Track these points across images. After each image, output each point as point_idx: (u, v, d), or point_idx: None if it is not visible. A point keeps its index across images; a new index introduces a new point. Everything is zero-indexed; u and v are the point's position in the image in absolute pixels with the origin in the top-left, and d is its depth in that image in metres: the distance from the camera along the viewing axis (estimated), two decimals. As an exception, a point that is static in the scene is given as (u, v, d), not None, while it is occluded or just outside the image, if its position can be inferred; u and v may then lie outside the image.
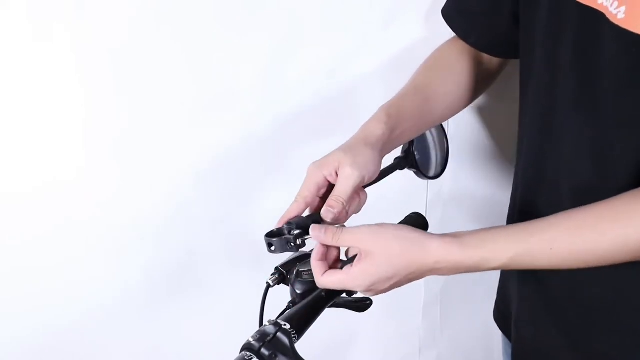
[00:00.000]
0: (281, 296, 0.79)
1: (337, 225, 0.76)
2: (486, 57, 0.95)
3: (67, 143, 0.93)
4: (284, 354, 0.68)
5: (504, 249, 0.69)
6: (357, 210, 0.80)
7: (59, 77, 0.89)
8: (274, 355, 0.67)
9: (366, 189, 0.81)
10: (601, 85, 0.71)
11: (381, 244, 0.71)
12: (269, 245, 0.77)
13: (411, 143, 0.94)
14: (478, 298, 1.23)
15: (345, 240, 0.73)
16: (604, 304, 0.79)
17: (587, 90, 0.72)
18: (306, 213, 0.80)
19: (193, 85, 0.97)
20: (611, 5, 0.66)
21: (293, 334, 0.70)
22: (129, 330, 1.07)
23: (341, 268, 0.74)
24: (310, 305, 0.76)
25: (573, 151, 0.76)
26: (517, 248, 0.69)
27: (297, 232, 0.76)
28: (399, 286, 0.74)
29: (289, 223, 0.77)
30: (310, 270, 0.77)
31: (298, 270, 0.79)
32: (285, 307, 0.78)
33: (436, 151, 0.98)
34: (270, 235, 0.78)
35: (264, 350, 0.67)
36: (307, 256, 0.81)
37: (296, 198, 0.79)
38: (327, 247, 0.76)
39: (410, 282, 0.74)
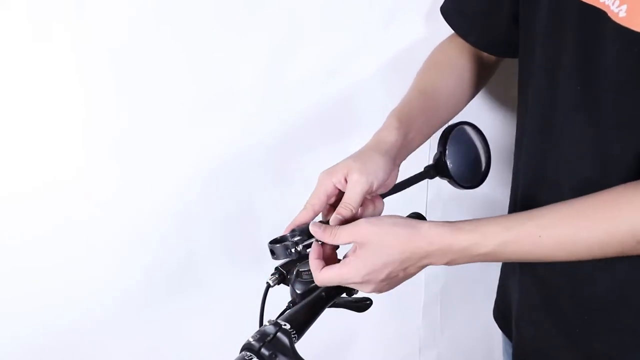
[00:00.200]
0: (281, 296, 0.79)
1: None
2: (485, 54, 0.95)
3: (67, 143, 0.93)
4: (284, 354, 0.68)
5: (493, 234, 0.69)
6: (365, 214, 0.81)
7: (59, 77, 0.89)
8: (274, 355, 0.67)
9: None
10: (603, 85, 0.71)
11: (375, 233, 0.72)
12: (272, 252, 0.78)
13: (443, 150, 0.91)
14: (478, 298, 1.23)
15: (342, 236, 0.73)
16: (604, 304, 0.79)
17: (589, 90, 0.72)
18: (316, 220, 0.80)
19: (193, 85, 0.97)
20: (613, 4, 0.66)
21: (293, 334, 0.70)
22: (129, 330, 1.07)
23: None
24: (310, 305, 0.76)
25: (574, 151, 0.76)
26: (506, 235, 0.69)
27: (297, 238, 0.76)
28: (397, 279, 0.74)
29: (292, 230, 0.77)
30: (310, 270, 0.77)
31: (298, 270, 0.79)
32: (285, 307, 0.78)
33: (473, 158, 0.95)
34: (273, 242, 0.78)
35: (264, 350, 0.67)
36: (307, 256, 0.81)
37: (305, 205, 0.79)
38: (325, 247, 0.76)
39: (407, 273, 0.73)
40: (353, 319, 0.88)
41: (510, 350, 0.99)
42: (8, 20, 0.84)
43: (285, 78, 1.02)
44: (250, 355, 0.67)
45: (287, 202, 1.08)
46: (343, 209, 0.76)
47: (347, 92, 1.07)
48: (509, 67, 0.98)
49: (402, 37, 1.07)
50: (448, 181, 0.93)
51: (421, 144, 0.90)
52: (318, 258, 0.75)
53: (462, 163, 0.94)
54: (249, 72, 0.99)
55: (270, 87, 1.02)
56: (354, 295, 0.81)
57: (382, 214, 0.82)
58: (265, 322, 0.72)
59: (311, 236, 0.76)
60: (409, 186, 0.88)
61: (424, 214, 0.87)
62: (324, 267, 0.74)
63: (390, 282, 0.74)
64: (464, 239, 0.70)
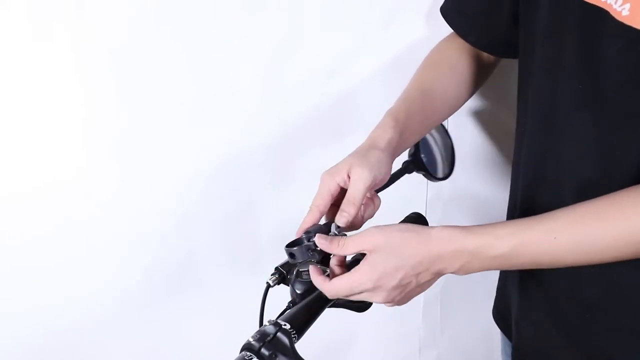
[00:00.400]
0: (281, 296, 0.79)
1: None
2: (484, 54, 0.95)
3: (67, 143, 0.93)
4: (284, 354, 0.68)
5: (507, 235, 0.69)
6: (372, 215, 0.81)
7: (59, 77, 0.89)
8: (274, 355, 0.67)
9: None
10: (604, 84, 0.70)
11: (385, 238, 0.71)
12: (291, 255, 0.77)
13: (417, 146, 0.94)
14: (478, 298, 1.23)
15: (350, 246, 0.73)
16: (604, 304, 0.79)
17: (591, 89, 0.72)
18: (322, 221, 0.80)
19: (193, 85, 0.97)
20: (615, 3, 0.66)
21: (293, 334, 0.70)
22: (129, 330, 1.07)
23: None
24: (310, 305, 0.76)
25: (575, 150, 0.76)
26: (520, 237, 0.68)
27: (313, 239, 0.76)
28: (410, 287, 0.72)
29: (307, 232, 0.77)
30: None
31: (298, 270, 0.79)
32: (285, 307, 0.78)
33: (441, 152, 0.98)
34: (290, 245, 0.78)
35: (264, 350, 0.67)
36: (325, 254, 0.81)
37: (310, 208, 0.79)
38: (333, 260, 0.76)
39: (420, 281, 0.72)
40: (353, 319, 0.88)
41: (509, 350, 0.99)
42: (8, 20, 0.84)
43: (285, 78, 1.02)
44: (250, 355, 0.67)
45: (287, 202, 1.08)
46: (347, 206, 0.76)
47: (347, 92, 1.08)
48: (509, 67, 0.98)
49: (402, 37, 1.07)
50: (424, 174, 0.95)
51: (415, 142, 0.90)
52: (320, 275, 0.75)
53: (433, 158, 0.97)
54: (249, 72, 0.99)
55: (270, 87, 1.02)
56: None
57: (381, 213, 0.82)
58: (265, 322, 0.72)
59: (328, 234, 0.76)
60: (392, 183, 0.89)
61: (423, 214, 0.87)
62: (332, 277, 0.74)
63: (402, 290, 0.72)
64: (477, 240, 0.69)
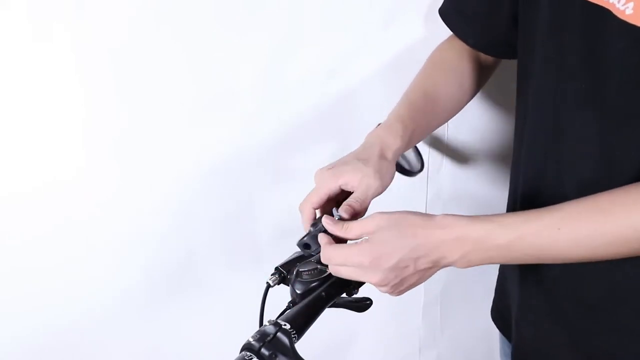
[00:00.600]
0: (281, 296, 0.79)
1: None
2: (484, 55, 0.95)
3: (67, 143, 0.93)
4: (284, 354, 0.68)
5: (512, 224, 0.68)
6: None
7: (59, 77, 0.89)
8: (274, 355, 0.67)
9: None
10: (607, 83, 0.70)
11: (388, 219, 0.71)
12: (305, 246, 0.78)
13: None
14: (478, 298, 1.23)
15: (354, 229, 0.73)
16: (605, 303, 0.79)
17: (592, 89, 0.72)
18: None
19: (193, 85, 0.97)
20: (618, 2, 0.66)
21: (293, 334, 0.70)
22: (129, 330, 1.07)
23: None
24: (310, 305, 0.76)
25: (576, 150, 0.76)
26: (524, 226, 0.68)
27: (320, 225, 0.76)
28: (407, 272, 0.71)
29: (314, 224, 0.78)
30: (311, 270, 0.77)
31: (298, 270, 0.79)
32: (285, 307, 0.78)
33: (410, 149, 0.99)
34: (301, 240, 0.78)
35: (264, 350, 0.67)
36: (307, 256, 0.81)
37: (304, 205, 0.79)
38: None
39: (418, 267, 0.71)
40: (353, 319, 0.88)
41: (508, 351, 0.99)
42: (8, 20, 0.84)
43: (285, 78, 1.02)
44: (250, 355, 0.67)
45: (287, 202, 1.08)
46: (355, 202, 0.76)
47: (347, 92, 1.07)
48: (509, 67, 0.98)
49: (402, 37, 1.07)
50: (398, 170, 0.95)
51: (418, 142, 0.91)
52: (329, 240, 0.75)
53: (403, 155, 0.97)
54: (249, 72, 0.99)
55: (270, 87, 1.02)
56: (354, 295, 0.81)
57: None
58: (265, 322, 0.72)
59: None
60: None
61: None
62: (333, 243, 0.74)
63: (399, 274, 0.71)
64: (480, 227, 0.69)
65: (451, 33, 0.96)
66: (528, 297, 0.89)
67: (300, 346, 0.70)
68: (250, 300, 0.81)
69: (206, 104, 0.99)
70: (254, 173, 1.07)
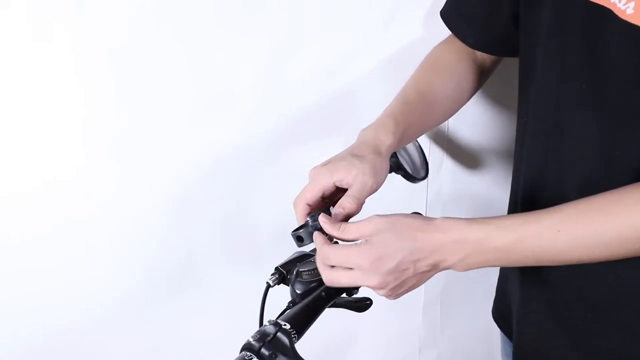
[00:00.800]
0: (281, 296, 0.79)
1: None
2: (483, 55, 0.95)
3: (67, 143, 0.93)
4: (284, 354, 0.68)
5: (511, 226, 0.68)
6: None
7: (59, 77, 0.89)
8: (274, 355, 0.67)
9: None
10: (609, 83, 0.70)
11: (387, 223, 0.71)
12: (298, 238, 0.77)
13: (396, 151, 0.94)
14: (478, 298, 1.23)
15: (351, 231, 0.72)
16: (607, 303, 0.79)
17: (594, 88, 0.72)
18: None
19: (193, 85, 0.97)
20: (619, 2, 0.66)
21: (293, 334, 0.70)
22: (129, 330, 1.07)
23: None
24: (310, 305, 0.76)
25: (577, 150, 0.76)
26: (524, 228, 0.68)
27: (317, 221, 0.75)
28: (406, 275, 0.70)
29: (312, 215, 0.77)
30: (311, 270, 0.77)
31: (298, 270, 0.79)
32: (285, 307, 0.78)
33: (418, 153, 0.98)
34: (295, 230, 0.78)
35: (264, 350, 0.67)
36: (307, 256, 0.81)
37: (297, 202, 0.79)
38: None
39: (417, 270, 0.70)
40: (353, 319, 0.88)
41: (509, 350, 0.98)
42: (8, 20, 0.84)
43: (285, 78, 1.02)
44: (250, 355, 0.67)
45: (287, 202, 1.08)
46: (349, 203, 0.76)
47: (347, 92, 1.08)
48: (509, 67, 0.98)
49: (402, 37, 1.07)
50: (402, 175, 0.94)
51: (410, 142, 0.90)
52: (323, 237, 0.75)
53: (410, 159, 0.97)
54: (249, 72, 0.99)
55: (270, 87, 1.02)
56: (354, 295, 0.81)
57: (381, 213, 0.81)
58: (265, 322, 0.72)
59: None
60: None
61: (423, 214, 0.87)
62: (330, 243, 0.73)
63: (398, 277, 0.70)
64: (479, 230, 0.69)
65: (449, 35, 0.96)
66: (529, 298, 0.88)
67: (300, 346, 0.70)
68: (250, 300, 0.81)
69: (206, 104, 0.99)
70: (254, 173, 1.07)
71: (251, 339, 0.68)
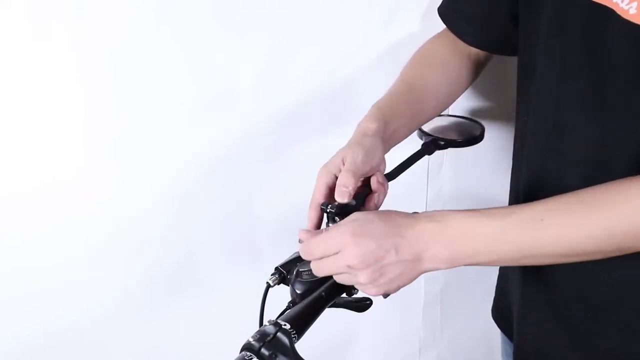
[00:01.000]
0: (281, 296, 0.79)
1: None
2: (476, 50, 0.95)
3: (67, 143, 0.93)
4: (284, 354, 0.68)
5: (495, 214, 0.68)
6: (382, 201, 0.80)
7: (59, 77, 0.89)
8: (274, 355, 0.67)
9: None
10: (610, 83, 0.70)
11: (367, 214, 0.71)
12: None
13: (427, 134, 0.93)
14: (478, 298, 1.23)
15: (332, 233, 0.71)
16: (607, 303, 0.79)
17: (595, 88, 0.72)
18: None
19: (193, 85, 0.97)
20: (621, 2, 0.66)
21: (293, 334, 0.70)
22: (129, 330, 1.07)
23: None
24: (310, 305, 0.75)
25: (578, 149, 0.76)
26: (509, 217, 0.68)
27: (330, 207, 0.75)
28: (388, 256, 0.68)
29: (322, 205, 0.77)
30: (311, 270, 0.77)
31: (298, 270, 0.78)
32: (285, 307, 0.78)
33: (460, 121, 0.98)
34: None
35: (264, 350, 0.67)
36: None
37: (310, 205, 0.78)
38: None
39: (400, 256, 0.68)
40: (353, 319, 0.88)
41: (509, 350, 0.98)
42: (8, 20, 0.84)
43: (285, 78, 1.02)
44: (250, 355, 0.67)
45: (287, 202, 1.08)
46: (343, 177, 0.75)
47: (347, 92, 1.08)
48: (510, 66, 0.98)
49: (402, 37, 1.07)
50: (454, 145, 0.92)
51: (405, 137, 0.89)
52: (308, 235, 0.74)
53: (451, 129, 0.96)
54: (249, 72, 0.99)
55: (270, 87, 1.02)
56: (354, 295, 0.81)
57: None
58: (265, 322, 0.72)
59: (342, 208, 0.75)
60: (409, 166, 0.88)
61: (423, 214, 0.87)
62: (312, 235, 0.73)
63: (379, 259, 0.68)
64: (465, 215, 0.69)
65: (441, 30, 0.96)
66: (529, 298, 0.88)
67: (300, 346, 0.70)
68: (250, 300, 0.81)
69: (206, 104, 0.99)
70: (254, 173, 1.07)
71: (251, 339, 0.68)
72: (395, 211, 0.72)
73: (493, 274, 1.04)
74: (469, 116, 1.00)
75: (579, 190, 0.69)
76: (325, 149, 0.83)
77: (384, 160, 0.82)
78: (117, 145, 0.96)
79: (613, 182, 0.68)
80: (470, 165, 1.26)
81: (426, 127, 0.95)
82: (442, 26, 0.96)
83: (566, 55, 0.75)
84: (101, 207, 0.98)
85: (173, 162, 1.00)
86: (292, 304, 0.78)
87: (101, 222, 0.99)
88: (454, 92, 0.95)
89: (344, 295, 0.79)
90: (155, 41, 0.93)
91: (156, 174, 1.00)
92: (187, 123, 0.99)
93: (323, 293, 0.76)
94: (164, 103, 0.96)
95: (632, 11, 0.65)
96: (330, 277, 0.77)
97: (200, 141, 1.01)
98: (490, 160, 1.26)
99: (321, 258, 0.71)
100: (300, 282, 0.77)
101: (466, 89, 0.97)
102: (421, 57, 0.95)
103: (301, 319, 0.73)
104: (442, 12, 0.95)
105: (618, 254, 0.68)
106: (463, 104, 1.06)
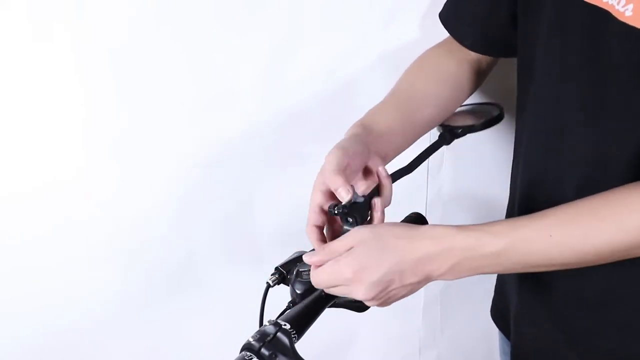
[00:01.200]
0: (281, 296, 0.79)
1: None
2: (479, 57, 0.95)
3: (67, 143, 0.93)
4: (284, 354, 0.68)
5: (502, 231, 0.67)
6: (389, 200, 0.79)
7: (59, 77, 0.89)
8: (274, 355, 0.67)
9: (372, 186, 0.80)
10: (608, 84, 0.70)
11: (372, 231, 0.70)
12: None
13: (445, 126, 0.93)
14: (478, 298, 1.23)
15: (336, 247, 0.71)
16: (607, 302, 0.79)
17: (594, 89, 0.72)
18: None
19: (193, 85, 0.97)
20: (617, 4, 0.66)
21: (293, 334, 0.70)
22: (129, 330, 1.07)
23: None
24: (310, 305, 0.76)
25: (578, 150, 0.76)
26: (515, 233, 0.67)
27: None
28: (393, 286, 0.69)
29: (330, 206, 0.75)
30: (310, 270, 0.77)
31: (298, 270, 0.78)
32: (285, 307, 0.78)
33: (474, 107, 0.96)
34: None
35: (264, 350, 0.67)
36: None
37: (308, 222, 0.77)
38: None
39: (404, 281, 0.69)
40: (353, 319, 0.88)
41: (507, 350, 0.99)
42: (8, 20, 0.84)
43: (285, 78, 1.02)
44: (250, 355, 0.67)
45: (287, 202, 1.08)
46: (328, 178, 0.73)
47: (347, 92, 1.08)
48: (510, 67, 0.98)
49: (402, 37, 1.07)
50: (473, 130, 0.91)
51: (407, 139, 0.88)
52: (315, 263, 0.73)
53: (471, 116, 0.95)
54: (249, 72, 0.99)
55: (270, 87, 1.02)
56: (354, 296, 0.81)
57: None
58: (265, 322, 0.72)
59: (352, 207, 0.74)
60: (426, 157, 0.88)
61: (423, 214, 0.87)
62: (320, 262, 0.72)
63: (384, 288, 0.69)
64: (469, 235, 0.68)
65: (441, 40, 0.96)
66: (527, 297, 0.89)
67: (300, 346, 0.70)
68: (250, 300, 0.81)
69: (206, 104, 0.99)
70: (254, 173, 1.07)
71: (251, 339, 0.68)
72: (395, 229, 0.70)
73: (493, 274, 1.04)
74: (486, 102, 0.98)
75: (583, 200, 0.68)
76: (325, 149, 0.83)
77: (375, 156, 0.80)
78: (117, 145, 0.96)
79: (617, 190, 0.68)
80: (470, 166, 1.26)
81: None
82: (441, 27, 0.96)
83: (566, 55, 0.75)
84: (101, 207, 0.98)
85: (173, 162, 1.00)
86: (292, 304, 0.78)
87: (101, 222, 0.99)
88: (452, 98, 0.93)
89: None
90: (155, 41, 0.93)
91: (156, 174, 1.00)
92: (187, 123, 0.99)
93: (323, 293, 0.76)
94: (164, 103, 0.96)
95: (628, 13, 0.65)
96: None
97: (201, 141, 1.01)
98: (491, 160, 1.26)
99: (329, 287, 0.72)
100: (300, 282, 0.77)
101: (469, 95, 0.97)
102: (414, 66, 0.94)
103: (301, 319, 0.73)
104: (443, 16, 0.95)
105: (625, 258, 0.68)
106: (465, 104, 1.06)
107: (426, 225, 0.71)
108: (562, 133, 0.78)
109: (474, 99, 1.00)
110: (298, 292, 0.77)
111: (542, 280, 0.85)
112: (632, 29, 0.65)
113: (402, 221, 0.85)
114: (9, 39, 0.85)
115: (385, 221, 0.76)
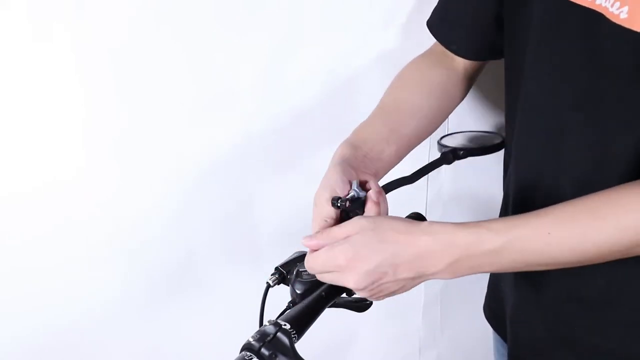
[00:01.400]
0: (281, 296, 0.79)
1: None
2: (465, 62, 0.94)
3: (67, 143, 0.93)
4: (284, 354, 0.68)
5: (501, 229, 0.67)
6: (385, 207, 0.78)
7: (59, 77, 0.89)
8: (274, 355, 0.67)
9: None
10: (604, 85, 0.70)
11: (370, 222, 0.70)
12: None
13: (442, 145, 0.95)
14: (478, 298, 1.23)
15: (336, 232, 0.71)
16: (601, 302, 0.79)
17: (589, 91, 0.72)
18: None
19: (193, 85, 0.97)
20: (611, 6, 0.66)
21: (293, 334, 0.70)
22: (129, 330, 1.07)
23: None
24: (310, 305, 0.76)
25: (574, 151, 0.76)
26: (514, 231, 0.67)
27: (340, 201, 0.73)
28: (386, 279, 0.68)
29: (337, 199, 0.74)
30: None
31: (298, 270, 0.78)
32: (285, 307, 0.78)
33: (475, 134, 0.98)
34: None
35: (264, 350, 0.67)
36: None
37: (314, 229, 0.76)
38: None
39: (397, 276, 0.68)
40: (353, 319, 0.88)
41: (502, 350, 0.98)
42: (8, 20, 0.84)
43: (285, 78, 1.02)
44: (250, 355, 0.67)
45: (286, 202, 1.08)
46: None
47: (347, 92, 1.08)
48: (502, 71, 0.98)
49: (402, 37, 1.07)
50: (474, 153, 0.93)
51: (398, 153, 0.87)
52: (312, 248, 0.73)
53: (473, 141, 0.96)
54: (249, 72, 0.99)
55: (270, 87, 1.02)
56: (354, 295, 0.81)
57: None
58: (265, 322, 0.72)
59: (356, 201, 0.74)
60: (427, 172, 0.89)
61: (423, 214, 0.87)
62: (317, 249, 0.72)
63: (377, 280, 0.68)
64: (468, 233, 0.67)
65: (425, 50, 0.96)
66: (523, 298, 0.88)
67: (300, 346, 0.70)
68: (250, 300, 0.81)
69: (206, 104, 0.99)
70: (254, 173, 1.07)
71: (251, 339, 0.68)
72: (395, 222, 0.70)
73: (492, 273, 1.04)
74: (488, 130, 1.00)
75: (582, 198, 0.68)
76: (325, 149, 0.83)
77: (364, 174, 0.79)
78: (117, 145, 0.96)
79: (616, 189, 0.68)
80: (470, 166, 1.26)
81: (445, 141, 0.98)
82: (441, 27, 0.96)
83: (560, 57, 0.75)
84: (101, 207, 0.98)
85: (173, 162, 1.00)
86: (292, 304, 0.78)
87: (101, 222, 0.99)
88: (440, 108, 0.92)
89: (344, 295, 0.79)
90: (155, 41, 0.93)
91: (156, 174, 1.00)
92: (187, 123, 0.99)
93: (323, 293, 0.76)
94: (164, 103, 0.96)
95: (623, 15, 0.65)
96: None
97: (200, 141, 1.01)
98: (490, 161, 1.26)
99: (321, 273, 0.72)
100: (300, 282, 0.77)
101: (458, 103, 0.96)
102: (399, 78, 0.93)
103: (301, 319, 0.73)
104: (429, 23, 0.94)
105: (625, 257, 0.68)
106: (463, 104, 1.06)
107: (425, 222, 0.70)
108: (558, 134, 0.77)
109: (474, 99, 1.00)
110: (298, 292, 0.77)
111: (539, 279, 0.84)
112: (627, 31, 0.65)
113: (403, 220, 0.84)
114: (9, 39, 0.85)
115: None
